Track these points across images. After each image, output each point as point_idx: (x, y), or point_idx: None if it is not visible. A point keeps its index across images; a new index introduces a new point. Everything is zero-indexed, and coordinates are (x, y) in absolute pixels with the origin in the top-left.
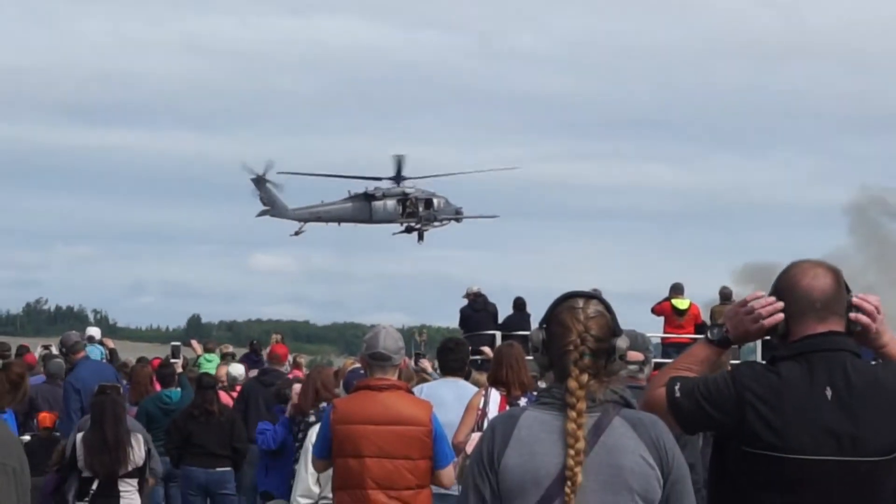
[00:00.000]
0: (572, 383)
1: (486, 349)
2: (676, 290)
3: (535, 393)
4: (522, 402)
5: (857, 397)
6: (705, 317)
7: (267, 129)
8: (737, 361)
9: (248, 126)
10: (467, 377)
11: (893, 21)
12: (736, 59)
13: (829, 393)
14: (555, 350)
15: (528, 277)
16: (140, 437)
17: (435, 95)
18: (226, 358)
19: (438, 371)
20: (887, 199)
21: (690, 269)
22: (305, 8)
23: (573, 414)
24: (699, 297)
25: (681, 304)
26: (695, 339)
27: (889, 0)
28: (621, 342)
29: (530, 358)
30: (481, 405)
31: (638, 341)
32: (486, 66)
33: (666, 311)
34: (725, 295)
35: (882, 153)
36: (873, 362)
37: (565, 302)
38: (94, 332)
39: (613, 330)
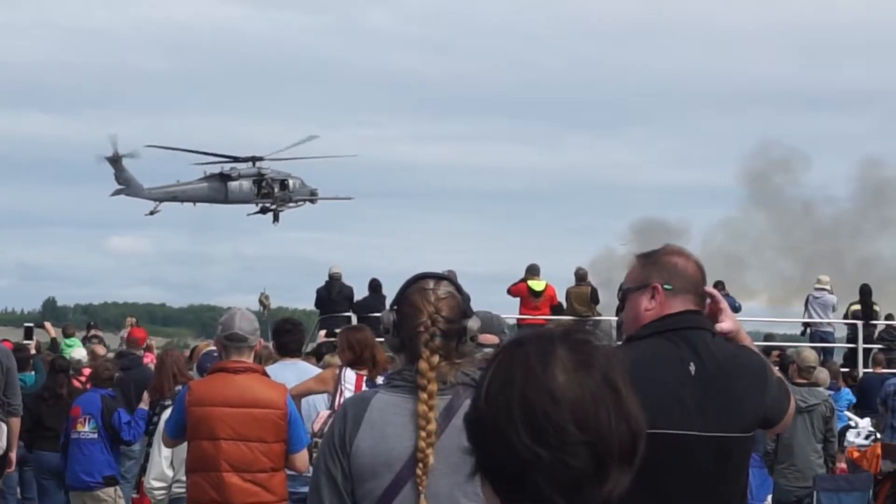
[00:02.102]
0: (423, 365)
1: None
2: (532, 271)
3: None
4: (380, 380)
5: (720, 373)
6: (561, 298)
7: (123, 110)
8: None
9: (104, 107)
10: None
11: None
12: (592, 39)
13: (692, 368)
14: (406, 331)
15: (383, 259)
16: (2, 424)
17: (292, 75)
18: (92, 340)
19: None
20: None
21: (546, 250)
22: None
23: (424, 396)
24: (555, 278)
25: (537, 285)
26: (550, 320)
27: None
28: (472, 323)
29: (380, 339)
30: (333, 383)
31: (493, 323)
32: (344, 45)
33: (522, 292)
34: (581, 276)
35: (737, 131)
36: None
37: (416, 283)
38: None
39: (464, 311)
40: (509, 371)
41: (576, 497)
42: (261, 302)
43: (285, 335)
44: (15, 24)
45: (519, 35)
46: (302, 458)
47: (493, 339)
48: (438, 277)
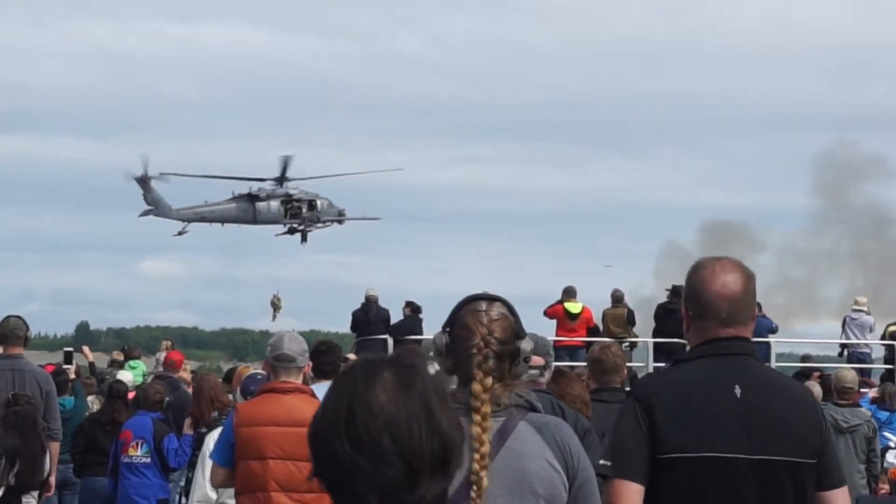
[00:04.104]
0: (476, 387)
1: None
2: (569, 293)
3: None
4: None
5: (767, 397)
6: (598, 320)
7: (152, 135)
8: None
9: (134, 132)
10: None
11: (772, 21)
12: (617, 60)
13: (737, 391)
14: (458, 353)
15: (416, 281)
16: (47, 449)
17: (319, 100)
18: (114, 365)
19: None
20: None
21: (581, 272)
22: (190, 15)
23: (478, 418)
24: (591, 300)
25: (573, 307)
26: (587, 342)
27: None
28: (525, 344)
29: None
30: None
31: (539, 345)
32: (370, 70)
33: (558, 314)
34: (617, 297)
35: (762, 154)
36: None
37: (468, 304)
38: None
39: (517, 332)
40: (340, 390)
41: (391, 500)
42: (273, 304)
43: (321, 357)
44: (47, 48)
45: (546, 57)
46: None
47: (539, 360)
48: (491, 299)
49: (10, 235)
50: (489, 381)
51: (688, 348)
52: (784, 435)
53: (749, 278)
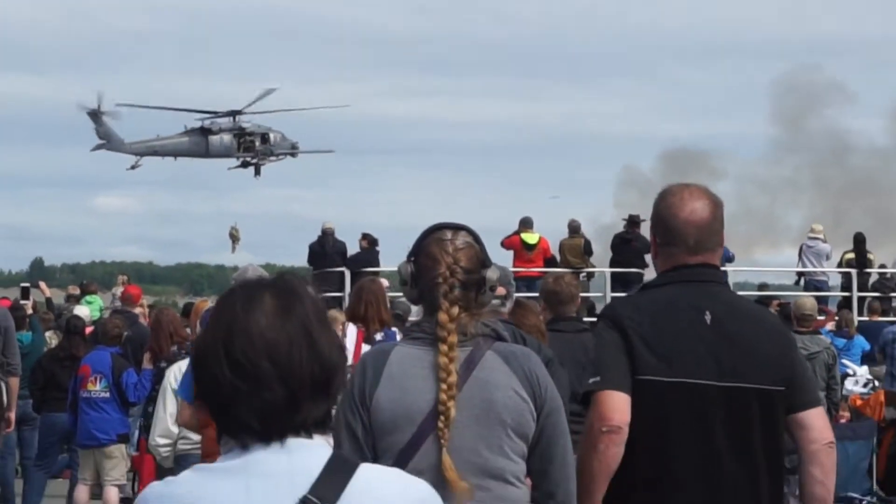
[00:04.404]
0: (443, 316)
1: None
2: (525, 223)
3: (393, 329)
4: (379, 337)
5: (737, 324)
6: (555, 250)
7: (102, 68)
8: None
9: (84, 66)
10: None
11: None
12: None
13: (707, 317)
14: (424, 283)
15: (371, 214)
16: (2, 385)
17: (272, 32)
18: (71, 300)
19: None
20: None
21: (536, 202)
22: None
23: (444, 347)
24: (547, 231)
25: (530, 238)
26: (544, 273)
27: None
28: (491, 273)
29: (392, 294)
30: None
31: (501, 274)
32: (323, 1)
33: (515, 245)
34: (574, 228)
35: (719, 82)
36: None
37: (433, 234)
38: None
39: (483, 261)
40: (219, 315)
41: (271, 423)
42: (231, 235)
43: None
44: None
45: None
46: None
47: (501, 290)
48: (456, 227)
49: None
50: (455, 310)
51: (647, 275)
52: (754, 362)
53: (717, 205)
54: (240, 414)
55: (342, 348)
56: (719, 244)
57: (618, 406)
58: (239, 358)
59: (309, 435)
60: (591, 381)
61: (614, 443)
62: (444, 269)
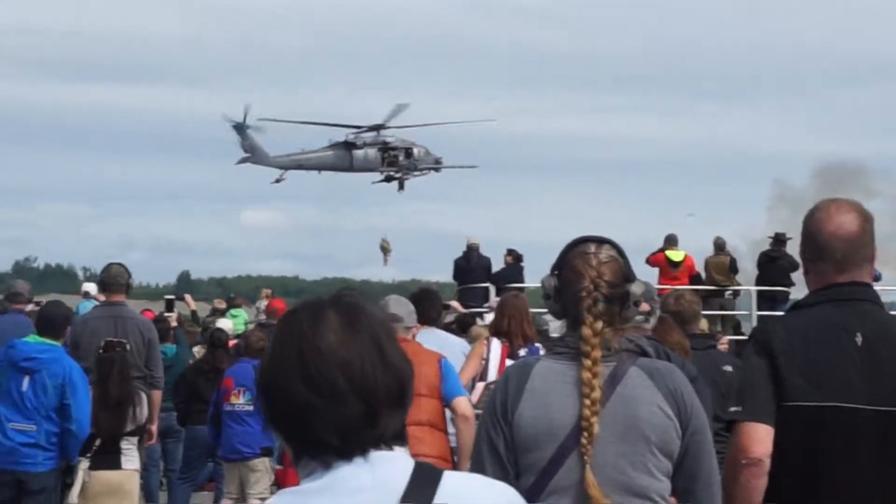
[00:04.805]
0: (586, 331)
1: None
2: (670, 241)
3: (536, 345)
4: (523, 353)
5: (889, 345)
6: (700, 268)
7: (251, 82)
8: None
9: (233, 80)
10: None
11: None
12: (725, 10)
13: (858, 339)
14: (567, 297)
15: (515, 230)
16: (143, 395)
17: (421, 47)
18: (216, 313)
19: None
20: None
21: (679, 219)
22: None
23: (588, 363)
24: (693, 248)
25: (675, 255)
26: (691, 290)
27: None
28: (636, 288)
29: (535, 310)
30: (484, 354)
31: (645, 290)
32: (472, 17)
33: (660, 262)
34: (719, 245)
35: (871, 104)
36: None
37: (577, 247)
38: (90, 287)
39: (627, 275)
40: (285, 335)
41: (350, 438)
42: (382, 248)
43: (423, 303)
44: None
45: (648, 4)
46: (462, 403)
47: (645, 306)
48: (600, 241)
49: (110, 185)
50: (599, 324)
51: (794, 294)
52: None
53: (866, 219)
54: (318, 432)
55: (409, 359)
56: (868, 259)
57: (759, 438)
58: (313, 375)
59: (389, 447)
60: (732, 409)
61: (755, 475)
62: (587, 283)
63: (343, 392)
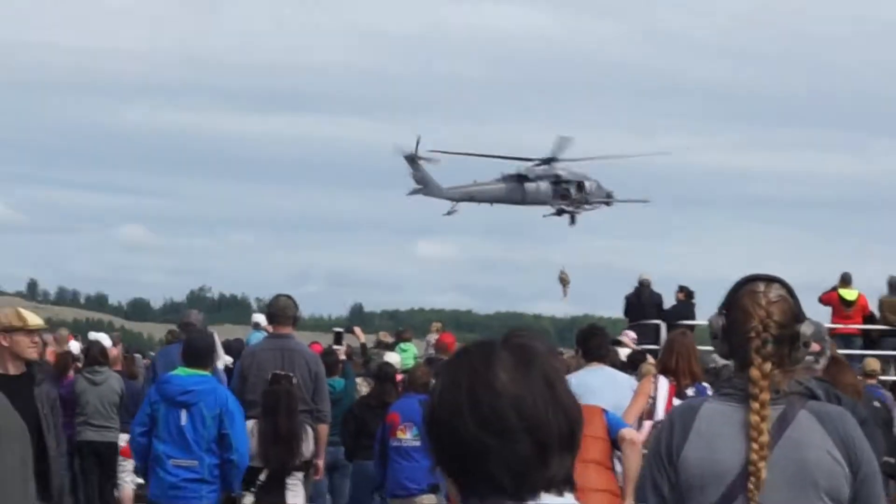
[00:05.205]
0: (755, 372)
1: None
2: (845, 280)
3: (704, 384)
4: (690, 392)
5: None
6: (874, 307)
7: (428, 114)
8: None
9: (410, 111)
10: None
11: None
12: None
13: None
14: (735, 337)
15: (688, 266)
16: (309, 429)
17: (594, 81)
18: (380, 346)
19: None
20: None
21: (858, 258)
22: None
23: (756, 405)
24: (868, 286)
25: (848, 294)
26: (863, 331)
27: None
28: (806, 328)
29: (702, 348)
30: (651, 392)
31: (815, 330)
32: (649, 52)
33: (833, 301)
34: (894, 285)
35: None
36: None
37: (746, 286)
38: (260, 318)
39: (797, 315)
40: (456, 373)
41: (523, 480)
42: (561, 280)
43: (592, 339)
44: (327, 28)
45: (826, 39)
46: (628, 431)
47: (815, 346)
48: (770, 279)
49: (287, 215)
50: (768, 366)
51: None
52: None
53: None
54: (490, 471)
55: (578, 402)
56: None
57: None
58: (486, 412)
59: (559, 493)
60: (885, 459)
61: None
62: (756, 323)
63: (515, 430)
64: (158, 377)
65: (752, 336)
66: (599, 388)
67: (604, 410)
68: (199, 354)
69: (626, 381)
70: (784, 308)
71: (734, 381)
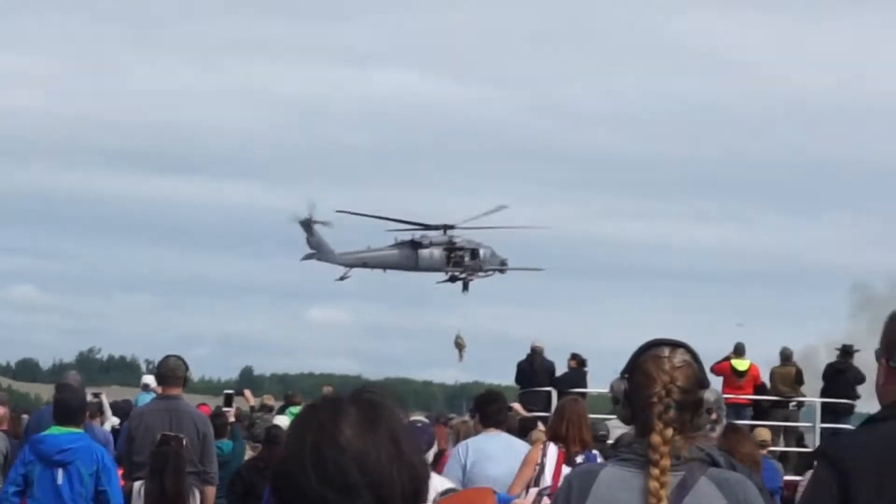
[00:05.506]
0: (656, 438)
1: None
2: (738, 350)
3: (594, 451)
4: (580, 459)
5: None
6: (766, 378)
7: (321, 180)
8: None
9: (303, 177)
10: (509, 430)
11: None
12: (789, 121)
13: None
14: (637, 402)
15: (580, 334)
16: (196, 491)
17: (484, 149)
18: (263, 409)
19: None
20: None
21: (749, 330)
22: (360, 60)
23: (656, 471)
24: (758, 357)
25: (740, 364)
26: (753, 401)
27: None
28: (709, 395)
29: (594, 416)
30: (539, 459)
31: (718, 397)
32: (539, 120)
33: (725, 371)
34: (786, 356)
35: None
36: None
37: (650, 350)
38: (149, 380)
39: (701, 381)
40: (303, 428)
41: None
42: (457, 344)
43: (491, 404)
44: (219, 91)
45: (716, 113)
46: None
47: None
48: (674, 344)
49: (179, 278)
50: (669, 432)
51: (859, 407)
52: None
53: None
54: None
55: (426, 461)
56: None
57: None
58: (329, 468)
59: None
60: None
61: None
62: (659, 388)
63: (358, 486)
64: (31, 437)
65: (654, 401)
66: (496, 454)
67: (494, 492)
68: (71, 412)
69: (523, 447)
70: (688, 374)
71: (634, 447)
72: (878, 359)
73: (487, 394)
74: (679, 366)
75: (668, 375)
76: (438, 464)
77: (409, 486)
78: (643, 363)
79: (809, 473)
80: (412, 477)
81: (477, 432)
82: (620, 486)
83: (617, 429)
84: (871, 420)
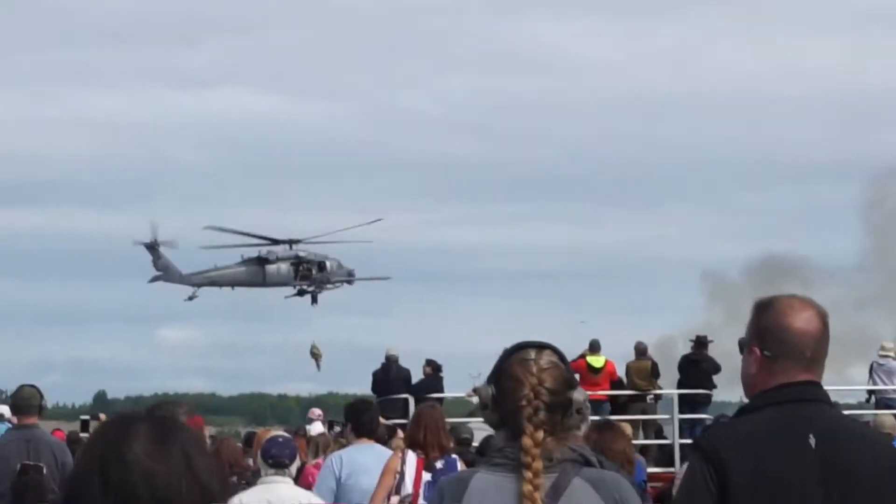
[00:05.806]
0: (527, 441)
1: None
2: (593, 347)
3: (453, 456)
4: (439, 464)
5: (844, 447)
6: (622, 373)
7: (163, 203)
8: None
9: (145, 201)
10: (379, 439)
11: (781, 72)
12: (626, 118)
13: (812, 441)
14: (506, 406)
15: (432, 341)
16: None
17: (323, 162)
18: None
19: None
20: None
21: (600, 326)
22: (190, 83)
23: (529, 475)
24: (613, 353)
25: (596, 361)
26: (611, 396)
27: (776, 52)
28: (578, 395)
29: (451, 420)
30: (399, 468)
31: (587, 396)
32: (375, 131)
33: (581, 368)
34: (641, 350)
35: (773, 208)
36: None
37: (516, 353)
38: (4, 410)
39: (569, 382)
40: (93, 446)
41: None
42: (313, 353)
43: (363, 414)
44: (53, 119)
45: (552, 113)
46: None
47: None
48: (540, 346)
49: (25, 308)
50: (540, 434)
51: (716, 396)
52: (865, 488)
53: (825, 315)
54: None
55: (221, 474)
56: (825, 357)
57: None
58: (116, 486)
59: None
60: None
61: None
62: (528, 391)
63: (143, 502)
64: None
65: (523, 404)
66: (370, 466)
67: None
68: None
69: None
70: (556, 375)
71: (505, 451)
72: (742, 347)
73: (360, 403)
74: (546, 367)
75: (536, 378)
76: (300, 477)
77: (199, 502)
78: (510, 367)
79: (685, 467)
80: (203, 493)
81: (349, 442)
82: (494, 491)
83: (479, 430)
84: (742, 410)
